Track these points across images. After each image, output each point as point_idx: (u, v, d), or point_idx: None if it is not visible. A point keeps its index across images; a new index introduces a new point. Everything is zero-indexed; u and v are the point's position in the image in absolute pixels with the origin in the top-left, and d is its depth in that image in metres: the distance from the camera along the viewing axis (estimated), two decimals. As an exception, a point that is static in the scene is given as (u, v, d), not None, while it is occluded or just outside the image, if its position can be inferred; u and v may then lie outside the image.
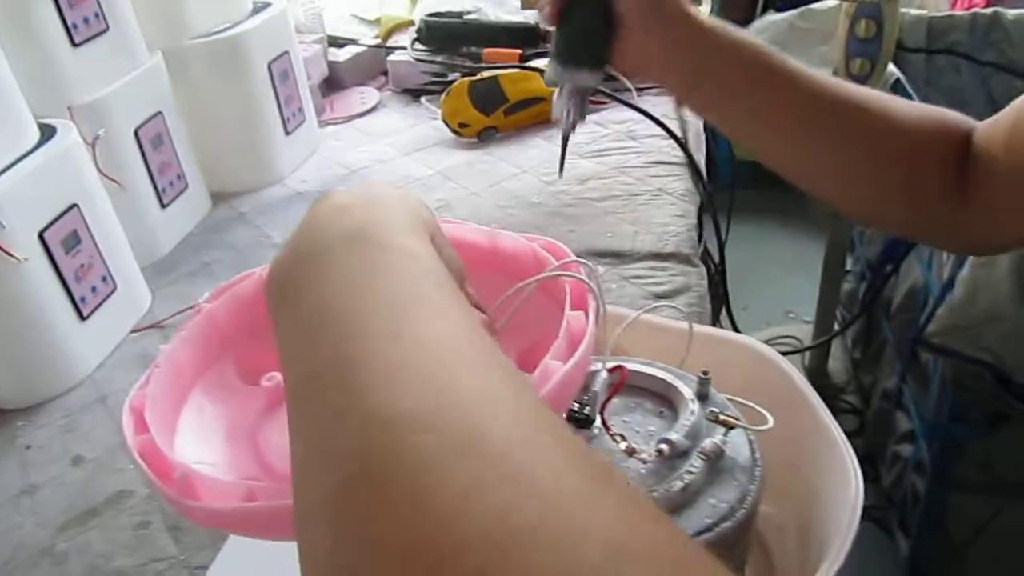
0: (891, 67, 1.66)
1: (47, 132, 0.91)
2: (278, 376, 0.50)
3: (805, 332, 2.14)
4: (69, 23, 0.95)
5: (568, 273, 0.51)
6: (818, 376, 2.01)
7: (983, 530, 1.34)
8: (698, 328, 0.61)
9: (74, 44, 0.96)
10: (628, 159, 1.22)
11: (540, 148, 1.29)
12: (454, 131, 1.35)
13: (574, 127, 0.65)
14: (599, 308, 0.49)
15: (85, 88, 0.98)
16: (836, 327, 2.02)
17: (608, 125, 1.34)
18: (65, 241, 0.88)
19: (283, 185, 1.28)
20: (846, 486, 0.48)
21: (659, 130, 1.26)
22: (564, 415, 0.51)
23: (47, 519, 0.75)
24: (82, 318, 0.90)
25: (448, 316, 0.28)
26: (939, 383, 1.30)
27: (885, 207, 0.57)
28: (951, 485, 1.34)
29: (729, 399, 0.55)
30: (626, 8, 0.57)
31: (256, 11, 1.26)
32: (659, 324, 0.64)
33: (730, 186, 1.57)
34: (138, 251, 1.04)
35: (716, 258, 1.28)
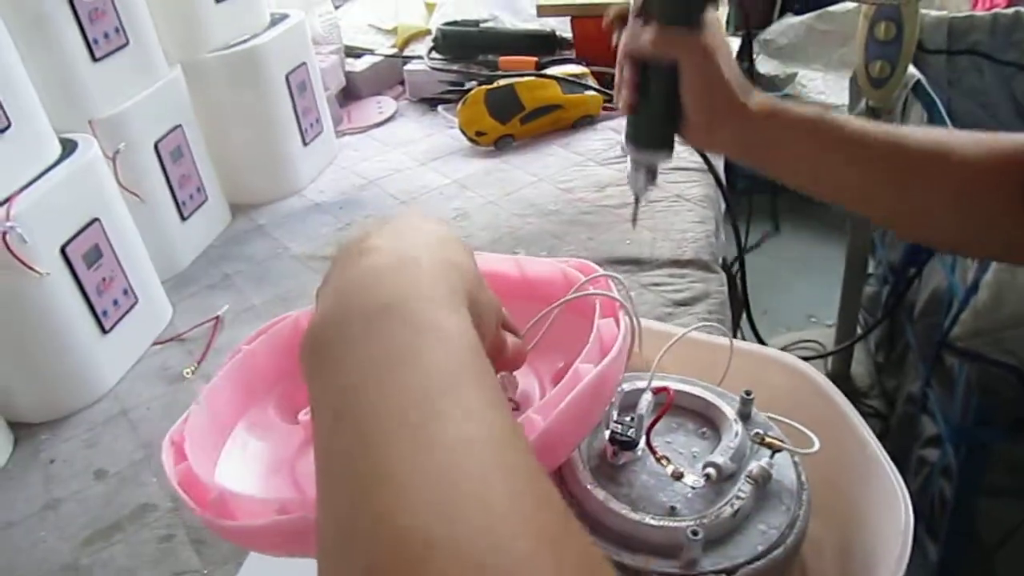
0: (911, 69, 1.64)
1: (68, 147, 0.92)
2: None
3: (827, 336, 2.12)
4: (90, 38, 0.96)
5: (593, 291, 0.51)
6: (841, 380, 1.99)
7: (1013, 534, 1.32)
8: (736, 343, 0.60)
9: (95, 59, 0.97)
10: (646, 165, 1.21)
11: (557, 156, 1.29)
12: (471, 140, 1.35)
13: (646, 190, 0.71)
14: (629, 316, 0.49)
15: (106, 102, 0.99)
16: (859, 331, 2.00)
17: (625, 132, 1.33)
18: (87, 255, 0.89)
19: (301, 196, 1.29)
20: (893, 510, 0.47)
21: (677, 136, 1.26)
22: (600, 422, 0.51)
23: (71, 533, 0.75)
24: (104, 331, 0.91)
25: (475, 417, 0.27)
26: (964, 387, 1.28)
27: (959, 238, 0.61)
28: (979, 490, 1.32)
29: (771, 418, 0.54)
30: (688, 106, 0.63)
31: (274, 23, 1.27)
32: (693, 338, 0.63)
33: (749, 190, 1.56)
34: (159, 264, 1.05)
35: (736, 264, 1.27)
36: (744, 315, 1.30)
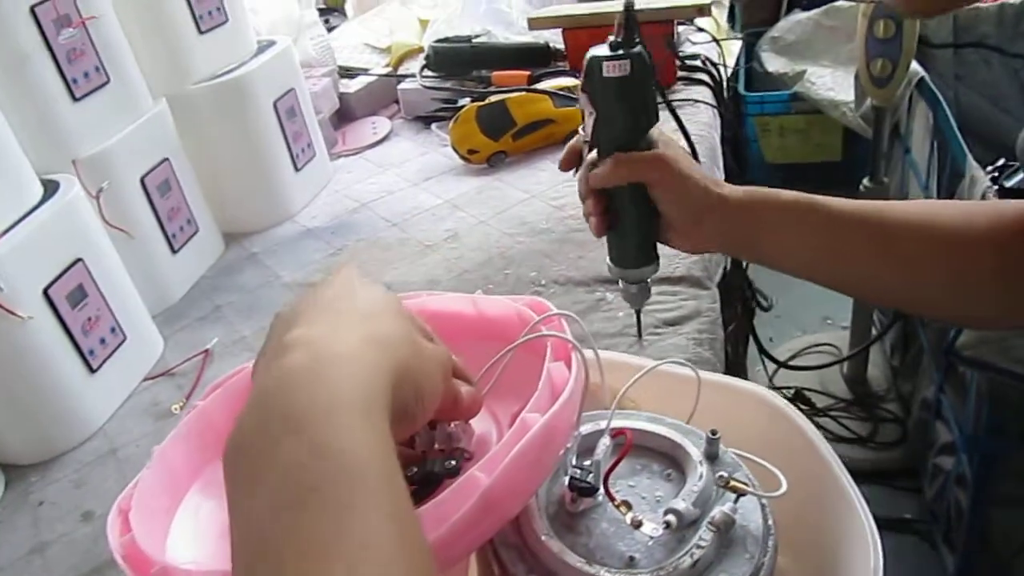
0: (915, 66, 1.61)
1: (50, 188, 0.92)
2: None
3: (843, 339, 2.08)
4: (69, 79, 0.96)
5: (544, 333, 0.50)
6: (857, 384, 1.96)
7: (1031, 544, 1.29)
8: (706, 376, 0.59)
9: (75, 99, 0.97)
10: (638, 179, 1.20)
11: (549, 171, 1.28)
12: (463, 158, 1.34)
13: (643, 302, 0.74)
14: (582, 357, 0.48)
15: (88, 141, 0.99)
16: (874, 332, 1.97)
17: (618, 144, 1.32)
18: (71, 295, 0.89)
19: (294, 222, 1.28)
20: (864, 550, 0.45)
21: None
22: (558, 468, 0.50)
23: (56, 578, 0.75)
24: (92, 371, 0.91)
25: (372, 559, 0.29)
26: (976, 395, 1.25)
27: (940, 306, 0.62)
28: (993, 499, 1.29)
29: (739, 455, 0.52)
30: (668, 217, 0.66)
31: (260, 51, 1.27)
32: (666, 370, 0.62)
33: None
34: (150, 298, 1.05)
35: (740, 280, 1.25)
36: (750, 333, 1.28)
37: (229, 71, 1.20)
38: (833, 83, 2.60)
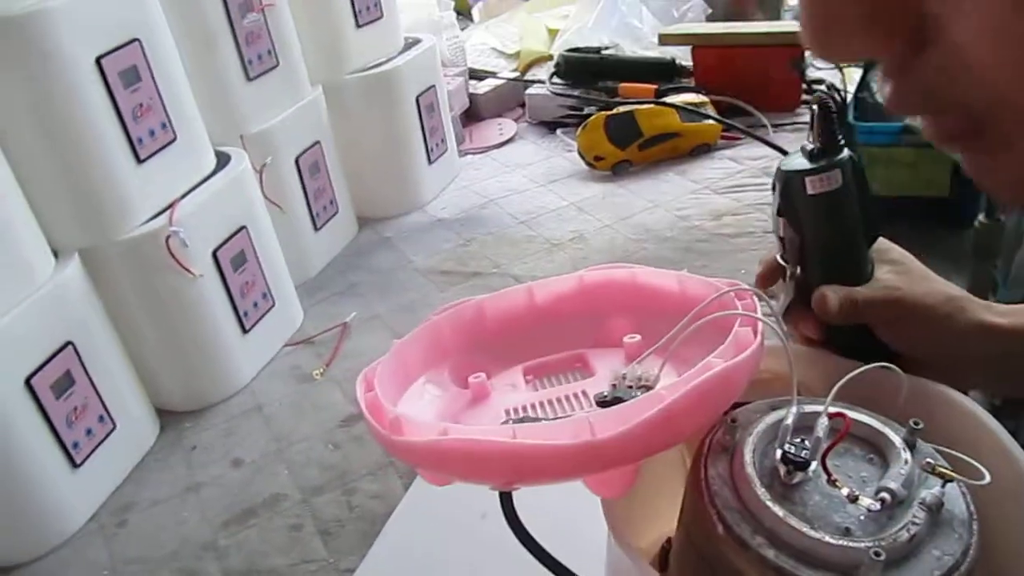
0: None
1: (222, 159, 1.00)
2: (483, 375, 0.58)
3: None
4: (246, 59, 1.04)
5: (737, 312, 0.53)
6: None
7: None
8: (888, 367, 0.60)
9: (248, 78, 1.05)
10: (764, 195, 1.22)
11: (672, 183, 1.31)
12: (589, 164, 1.38)
13: None
14: (774, 329, 0.51)
15: (256, 119, 1.07)
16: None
17: (743, 161, 1.34)
18: (234, 259, 0.96)
19: (424, 211, 1.35)
20: None
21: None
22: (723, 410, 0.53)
23: (210, 515, 0.82)
24: (244, 331, 0.98)
25: None
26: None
27: None
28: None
29: (937, 449, 0.55)
30: (907, 354, 0.58)
31: (407, 47, 1.33)
32: (842, 363, 0.64)
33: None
34: (292, 270, 1.12)
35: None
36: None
37: (379, 64, 1.27)
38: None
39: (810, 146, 0.52)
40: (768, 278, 0.61)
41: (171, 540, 0.80)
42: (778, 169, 0.55)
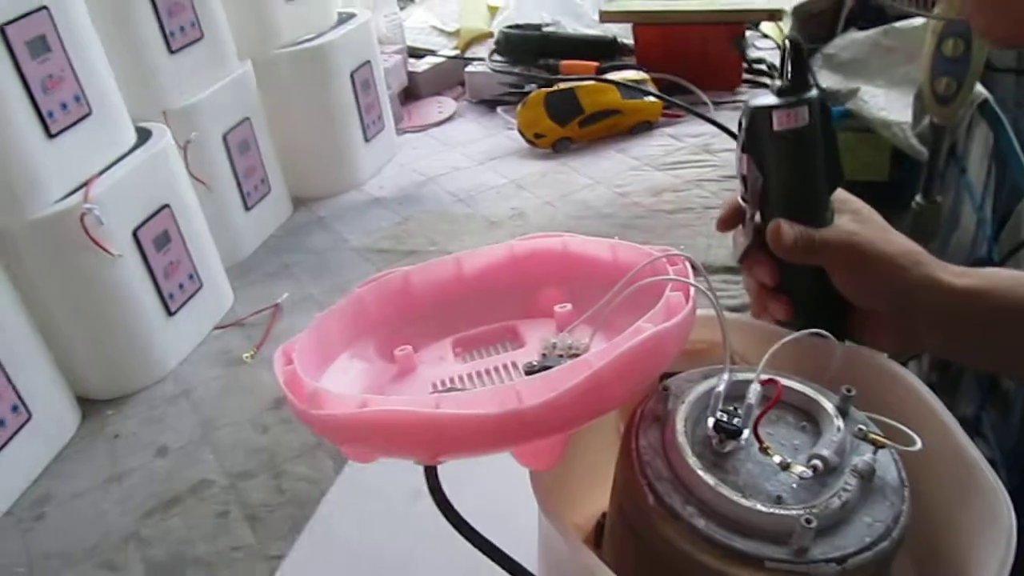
0: (979, 87, 1.61)
1: (143, 135, 0.95)
2: (409, 348, 0.55)
3: (880, 354, 2.08)
4: (167, 31, 0.99)
5: (661, 277, 0.52)
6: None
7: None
8: (822, 334, 0.60)
9: (171, 51, 1.00)
10: (704, 172, 1.22)
11: (613, 160, 1.30)
12: (529, 141, 1.36)
13: None
14: (706, 296, 0.50)
15: (179, 93, 1.03)
16: (913, 350, 1.96)
17: (683, 139, 1.34)
18: (157, 239, 0.92)
19: (361, 191, 1.31)
20: (993, 515, 0.46)
21: (736, 144, 1.26)
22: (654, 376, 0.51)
23: (132, 505, 0.78)
24: (169, 314, 0.94)
25: None
26: (1020, 412, 1.25)
27: None
28: (1034, 517, 1.29)
29: (870, 416, 0.54)
30: (859, 304, 0.53)
31: (341, 22, 1.30)
32: (776, 331, 0.63)
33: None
34: (222, 251, 1.08)
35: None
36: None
37: (311, 39, 1.23)
38: (886, 103, 2.59)
39: (779, 83, 0.50)
40: (729, 220, 0.59)
41: (92, 533, 0.76)
42: (745, 104, 0.52)
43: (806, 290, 0.55)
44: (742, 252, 0.57)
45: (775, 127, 0.51)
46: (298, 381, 0.50)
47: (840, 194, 0.55)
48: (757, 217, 0.55)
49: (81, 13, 0.86)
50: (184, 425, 0.87)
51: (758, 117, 0.51)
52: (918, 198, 1.86)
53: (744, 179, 0.54)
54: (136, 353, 0.93)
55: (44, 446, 0.85)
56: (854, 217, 0.54)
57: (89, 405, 0.92)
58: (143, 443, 0.86)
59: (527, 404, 0.43)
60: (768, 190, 0.53)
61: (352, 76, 1.27)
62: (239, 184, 1.13)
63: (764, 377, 0.54)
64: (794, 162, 0.52)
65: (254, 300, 1.06)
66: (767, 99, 0.51)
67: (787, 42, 0.51)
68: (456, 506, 0.51)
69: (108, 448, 0.86)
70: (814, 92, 0.51)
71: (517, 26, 1.58)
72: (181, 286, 0.96)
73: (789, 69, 0.50)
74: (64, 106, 0.83)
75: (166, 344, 0.95)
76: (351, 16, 1.31)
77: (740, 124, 0.52)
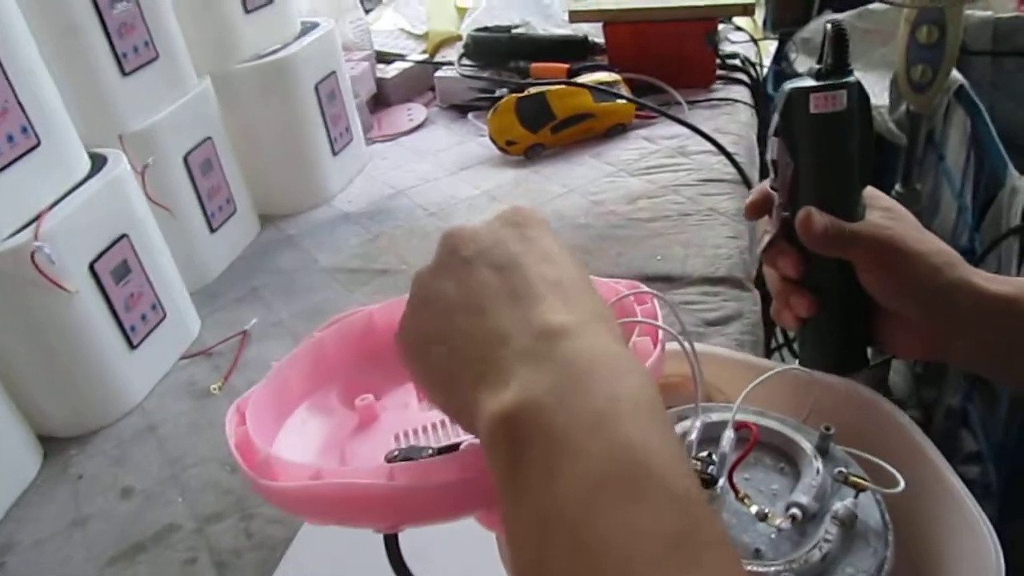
0: (954, 73, 1.60)
1: (98, 162, 0.92)
2: (370, 397, 0.53)
3: (864, 344, 2.07)
4: (119, 52, 0.96)
5: (638, 320, 0.50)
6: (879, 390, 1.95)
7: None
8: (801, 370, 0.58)
9: (124, 73, 0.97)
10: (679, 176, 1.19)
11: (587, 166, 1.27)
12: (501, 149, 1.33)
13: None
14: (675, 338, 0.48)
15: (135, 116, 0.99)
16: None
17: (657, 141, 1.31)
18: (115, 271, 0.89)
19: (330, 206, 1.28)
20: (979, 552, 0.45)
21: (711, 146, 1.24)
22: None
23: (96, 552, 0.75)
24: (132, 347, 0.91)
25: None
26: (1007, 404, 1.24)
27: None
28: (1020, 510, 1.28)
29: (847, 452, 0.52)
30: (886, 303, 0.50)
31: (304, 32, 1.26)
32: (754, 364, 0.61)
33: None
34: (187, 276, 1.05)
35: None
36: (782, 333, 1.27)
37: (273, 52, 1.19)
38: (864, 86, 2.59)
39: (818, 66, 0.48)
40: (759, 207, 0.56)
41: (54, 583, 0.73)
42: (781, 88, 0.51)
43: (831, 286, 0.52)
44: (767, 242, 0.55)
45: (812, 109, 0.49)
46: (250, 445, 0.47)
47: (871, 191, 0.53)
48: (786, 204, 0.53)
49: (25, 38, 0.82)
50: (150, 464, 0.85)
51: (795, 98, 0.50)
52: (898, 186, 1.84)
53: (774, 165, 0.52)
54: (98, 389, 0.90)
55: (4, 490, 0.82)
56: (886, 214, 0.52)
57: (52, 444, 0.89)
58: (107, 484, 0.83)
59: (487, 471, 0.41)
60: (799, 177, 0.51)
61: (317, 88, 1.24)
62: (203, 206, 1.10)
63: (740, 419, 0.52)
64: (829, 148, 0.50)
65: (222, 326, 1.03)
66: (805, 82, 0.50)
67: (828, 26, 0.50)
68: (427, 568, 0.48)
69: (71, 490, 0.83)
70: (855, 78, 0.49)
71: (486, 28, 1.55)
72: (144, 317, 0.93)
73: (829, 53, 0.49)
74: (10, 138, 0.80)
75: (130, 378, 0.92)
76: (314, 25, 1.28)
77: (774, 108, 0.51)
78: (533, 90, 1.32)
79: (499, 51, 1.52)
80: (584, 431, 0.29)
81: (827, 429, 0.51)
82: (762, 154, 1.43)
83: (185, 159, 1.06)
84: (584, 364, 0.32)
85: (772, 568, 0.44)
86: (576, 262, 0.39)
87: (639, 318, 0.50)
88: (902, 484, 0.47)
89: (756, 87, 1.55)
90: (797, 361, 0.58)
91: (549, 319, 0.34)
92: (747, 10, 1.45)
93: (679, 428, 0.53)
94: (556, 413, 0.30)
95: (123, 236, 0.90)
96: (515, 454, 0.30)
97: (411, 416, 0.54)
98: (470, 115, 1.50)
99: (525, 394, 0.31)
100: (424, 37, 1.70)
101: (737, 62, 1.55)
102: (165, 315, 0.96)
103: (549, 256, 0.38)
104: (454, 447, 0.45)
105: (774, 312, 0.56)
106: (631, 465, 0.29)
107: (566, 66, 1.45)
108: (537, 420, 0.30)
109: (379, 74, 1.57)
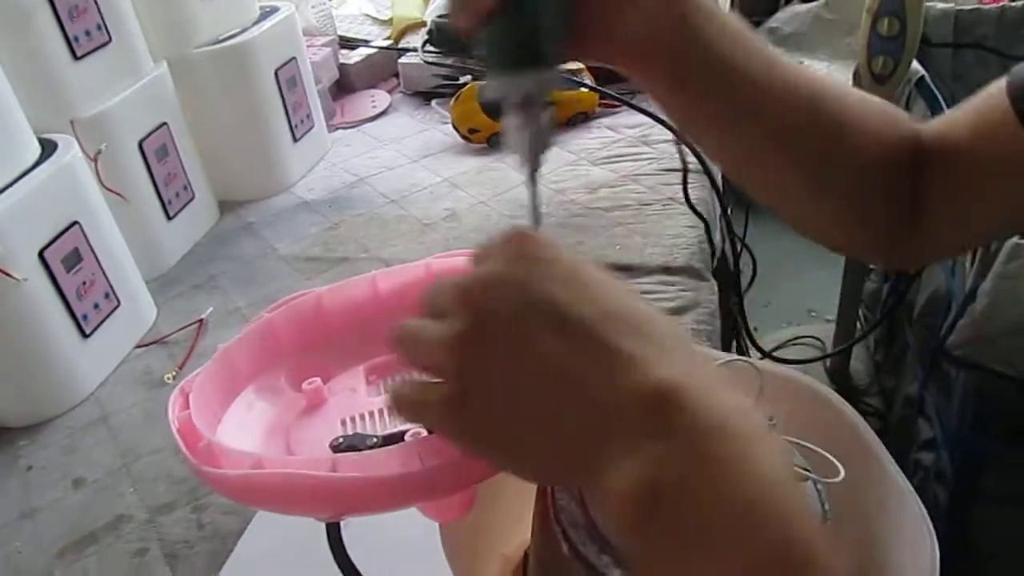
0: (915, 65, 1.61)
1: (48, 148, 0.90)
2: (318, 380, 0.53)
3: (827, 331, 2.10)
4: (70, 36, 0.94)
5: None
6: (840, 378, 1.98)
7: (1008, 543, 1.31)
8: (747, 361, 0.58)
9: (76, 58, 0.95)
10: (640, 166, 1.20)
11: (550, 155, 1.27)
12: (464, 137, 1.33)
13: (538, 161, 0.47)
14: None
15: (87, 101, 0.98)
16: (859, 326, 1.99)
17: (620, 130, 1.31)
18: (66, 259, 0.87)
19: (290, 193, 1.27)
20: (918, 542, 0.45)
21: (673, 135, 1.24)
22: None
23: (46, 544, 0.75)
24: (84, 336, 0.90)
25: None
26: (961, 393, 1.26)
27: (832, 228, 0.54)
28: (974, 497, 1.31)
29: (791, 442, 0.52)
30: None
31: (263, 16, 1.25)
32: (713, 356, 0.61)
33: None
34: (143, 264, 1.03)
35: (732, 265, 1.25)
36: (741, 324, 1.28)
37: (231, 36, 1.18)
38: (830, 76, 2.60)
39: None
40: None
41: (2, 574, 0.72)
42: None
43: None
44: None
45: None
46: (193, 430, 0.47)
47: None
48: None
49: (-30, 22, 0.81)
50: (102, 455, 0.84)
51: None
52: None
53: None
54: (49, 379, 0.88)
55: (-48, 483, 0.80)
56: None
57: (1, 434, 0.88)
58: (58, 475, 0.82)
59: (429, 465, 0.41)
60: None
61: (276, 74, 1.22)
62: (159, 193, 1.08)
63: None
64: None
65: (178, 315, 1.02)
66: None
67: None
68: (370, 555, 0.48)
69: (21, 481, 0.82)
70: None
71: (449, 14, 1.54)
72: (96, 306, 0.92)
73: None
74: (-45, 124, 0.78)
75: (82, 367, 0.91)
76: (274, 10, 1.26)
77: None
78: (496, 77, 1.31)
79: (463, 38, 1.51)
80: (731, 518, 0.28)
81: (770, 420, 0.51)
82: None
83: (140, 145, 1.05)
84: (715, 435, 0.29)
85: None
86: (618, 283, 0.35)
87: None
88: (842, 473, 0.48)
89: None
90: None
91: (649, 378, 0.30)
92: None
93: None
94: (697, 493, 0.28)
95: (74, 223, 0.89)
96: (655, 535, 0.29)
97: (358, 400, 0.54)
98: (433, 102, 1.49)
99: (655, 471, 0.29)
100: (389, 23, 1.69)
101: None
102: (119, 303, 0.95)
103: (603, 295, 0.33)
104: (399, 436, 0.45)
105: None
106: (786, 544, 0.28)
107: (530, 53, 1.44)
108: (679, 501, 0.28)
109: (342, 60, 1.56)
